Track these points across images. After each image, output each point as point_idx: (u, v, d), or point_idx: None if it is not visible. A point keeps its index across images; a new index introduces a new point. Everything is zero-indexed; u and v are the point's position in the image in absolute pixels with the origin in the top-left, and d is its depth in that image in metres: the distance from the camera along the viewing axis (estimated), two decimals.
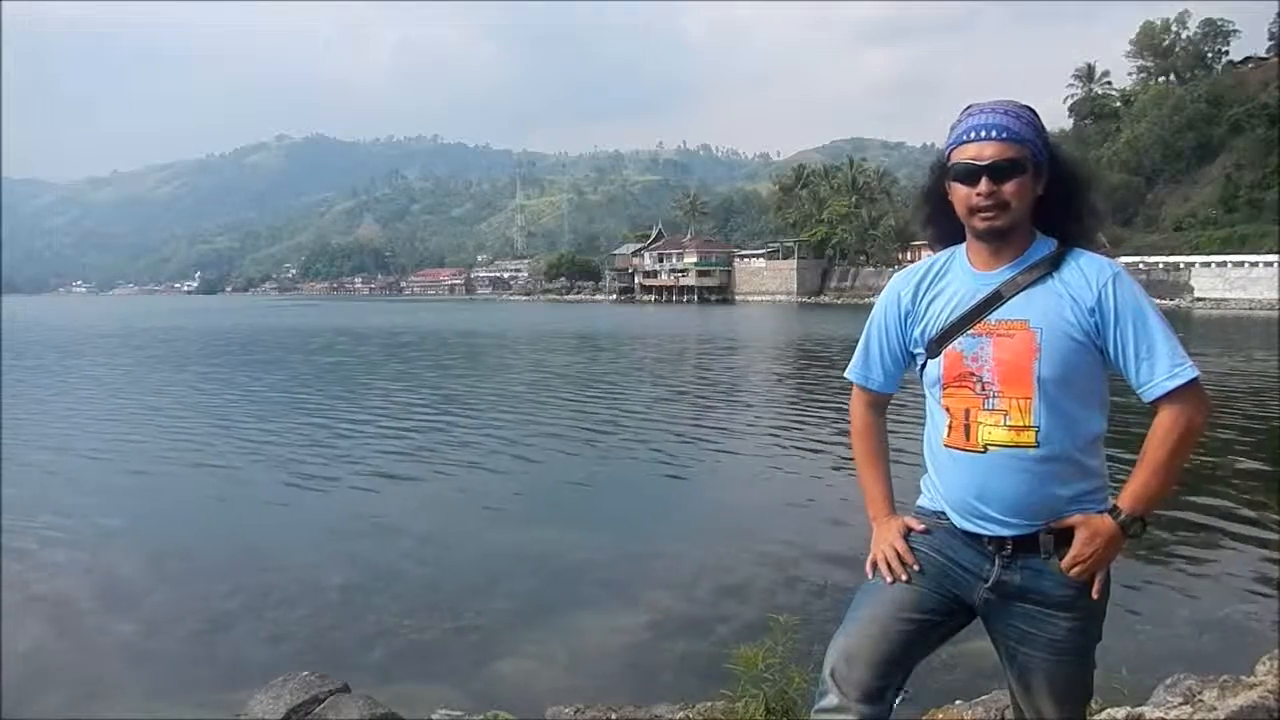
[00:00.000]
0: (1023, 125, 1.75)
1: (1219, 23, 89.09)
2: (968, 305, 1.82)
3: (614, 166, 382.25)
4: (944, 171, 1.84)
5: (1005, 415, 1.76)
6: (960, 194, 1.79)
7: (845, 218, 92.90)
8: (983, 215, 1.76)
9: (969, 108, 1.82)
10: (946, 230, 1.90)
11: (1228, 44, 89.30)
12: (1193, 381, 1.71)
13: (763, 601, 5.29)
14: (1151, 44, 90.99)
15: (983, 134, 1.74)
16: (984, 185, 1.74)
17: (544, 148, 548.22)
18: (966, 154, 1.76)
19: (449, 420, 13.05)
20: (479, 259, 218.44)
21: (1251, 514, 7.33)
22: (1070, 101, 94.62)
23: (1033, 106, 1.81)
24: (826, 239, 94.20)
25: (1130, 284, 1.76)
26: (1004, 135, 1.73)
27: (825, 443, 10.76)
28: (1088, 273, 1.76)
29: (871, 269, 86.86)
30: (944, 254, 1.93)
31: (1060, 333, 1.74)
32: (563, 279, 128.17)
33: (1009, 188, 1.74)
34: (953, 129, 1.82)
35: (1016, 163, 1.73)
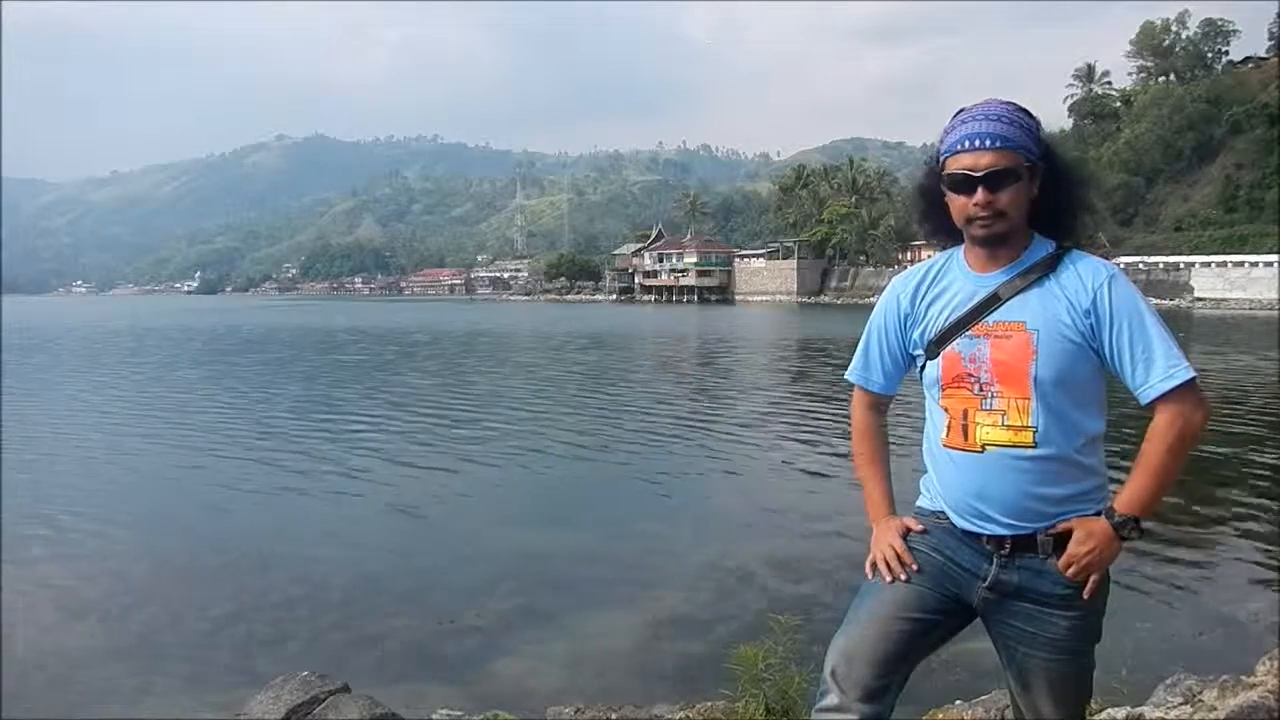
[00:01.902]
0: (1016, 131, 1.76)
1: (1219, 23, 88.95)
2: (966, 307, 1.83)
3: (614, 166, 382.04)
4: (938, 171, 1.84)
5: (1003, 415, 1.77)
6: (957, 203, 1.80)
7: (845, 218, 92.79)
8: (980, 224, 1.77)
9: (960, 112, 1.82)
10: (943, 226, 1.91)
11: (1228, 44, 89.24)
12: (1189, 383, 1.71)
13: (763, 601, 5.29)
14: (1151, 44, 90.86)
15: (977, 143, 1.75)
16: (980, 195, 1.75)
17: (544, 148, 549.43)
18: (962, 164, 1.76)
19: (449, 420, 13.04)
20: (479, 259, 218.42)
21: (1251, 513, 7.34)
22: (1070, 101, 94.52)
23: (1025, 106, 1.81)
24: (826, 239, 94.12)
25: (1126, 286, 1.76)
26: (998, 144, 1.74)
27: (826, 442, 10.76)
28: (1084, 275, 1.77)
29: (871, 269, 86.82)
30: (942, 256, 1.94)
31: (1057, 334, 1.74)
32: (563, 279, 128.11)
33: (1005, 196, 1.74)
34: (946, 133, 1.82)
35: (1012, 171, 1.74)
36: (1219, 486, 8.17)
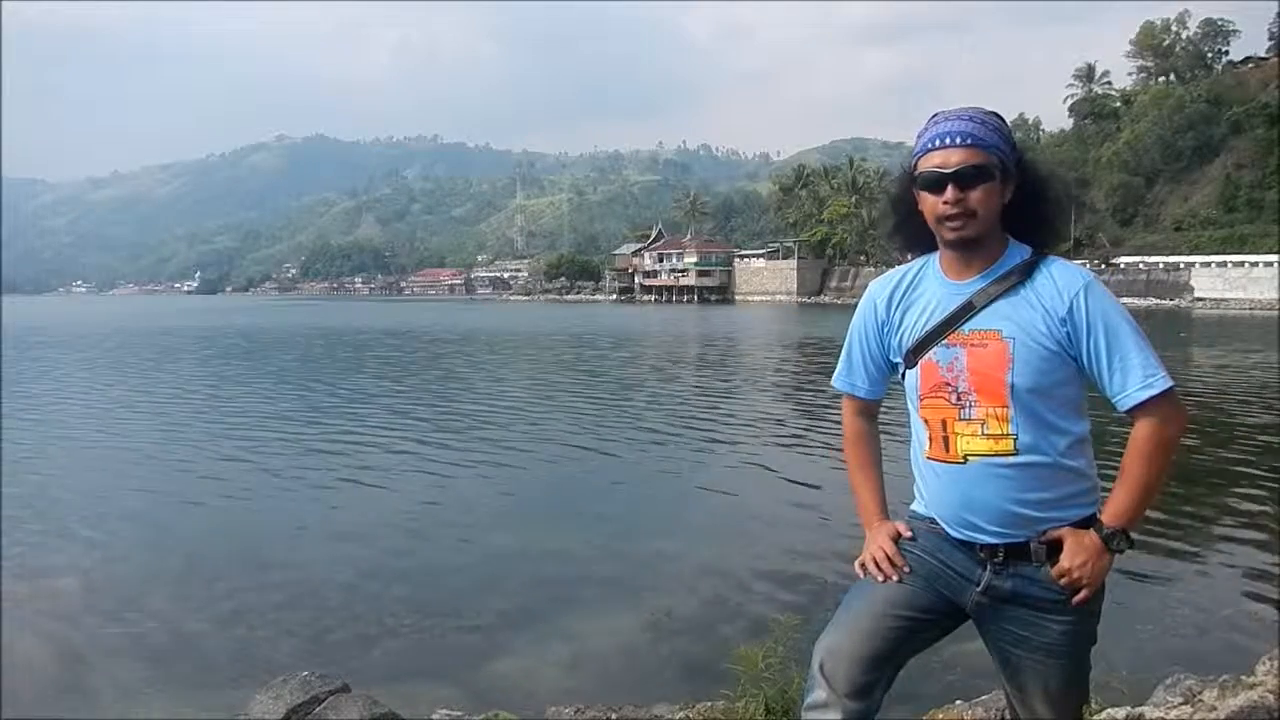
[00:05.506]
0: (988, 131, 1.75)
1: (1219, 23, 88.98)
2: (941, 315, 1.82)
3: (614, 166, 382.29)
4: (911, 173, 1.83)
5: (983, 425, 1.76)
6: (928, 203, 1.79)
7: (845, 218, 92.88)
8: (950, 224, 1.76)
9: (935, 115, 1.82)
10: (916, 237, 1.90)
11: (1228, 44, 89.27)
12: (1166, 392, 1.70)
13: (763, 601, 5.30)
14: (1151, 44, 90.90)
15: (948, 141, 1.74)
16: (950, 193, 1.73)
17: (544, 148, 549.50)
18: (932, 161, 1.76)
19: (449, 420, 13.04)
20: (479, 259, 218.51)
21: (1251, 514, 7.33)
22: (1070, 101, 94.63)
23: (999, 113, 1.81)
24: (826, 239, 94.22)
25: (1102, 294, 1.75)
26: (969, 141, 1.73)
27: (826, 443, 10.75)
28: (1059, 282, 1.75)
29: (871, 269, 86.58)
30: (918, 262, 1.93)
31: (1033, 343, 1.73)
32: (563, 279, 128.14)
33: (975, 195, 1.73)
34: (919, 137, 1.82)
35: (982, 169, 1.73)
36: (1219, 486, 8.17)
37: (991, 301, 1.77)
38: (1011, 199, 1.79)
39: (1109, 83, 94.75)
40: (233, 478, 9.07)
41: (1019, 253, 1.81)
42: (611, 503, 8.34)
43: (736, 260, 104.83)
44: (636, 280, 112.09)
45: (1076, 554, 1.73)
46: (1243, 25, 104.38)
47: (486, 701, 3.95)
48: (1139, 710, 3.23)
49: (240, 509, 7.91)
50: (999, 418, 1.74)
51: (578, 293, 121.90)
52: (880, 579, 1.86)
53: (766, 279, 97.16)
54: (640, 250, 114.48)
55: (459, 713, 3.68)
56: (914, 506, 1.95)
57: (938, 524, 1.86)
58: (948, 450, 1.80)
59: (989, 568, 1.80)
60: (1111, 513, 1.75)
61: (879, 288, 1.96)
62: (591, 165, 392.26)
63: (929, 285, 1.87)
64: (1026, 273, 1.78)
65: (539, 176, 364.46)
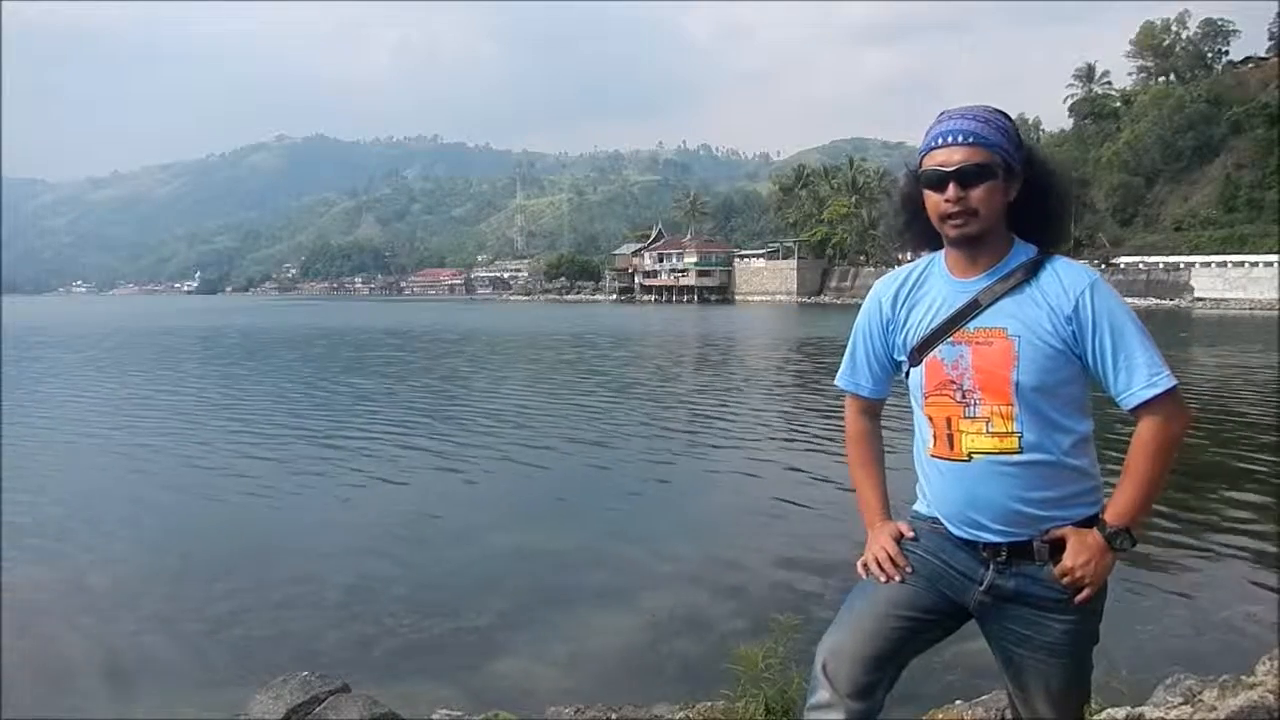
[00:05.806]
0: (992, 130, 1.75)
1: (1219, 23, 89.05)
2: (947, 313, 1.82)
3: (614, 166, 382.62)
4: (916, 171, 1.84)
5: (987, 423, 1.76)
6: (931, 200, 1.79)
7: (845, 218, 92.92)
8: (952, 223, 1.76)
9: (942, 113, 1.83)
10: (924, 235, 1.90)
11: (1228, 44, 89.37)
12: (1170, 391, 1.71)
13: (763, 601, 5.29)
14: (1151, 44, 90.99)
15: (951, 139, 1.75)
16: (951, 191, 1.74)
17: (544, 148, 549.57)
18: (935, 160, 1.76)
19: (450, 420, 13.04)
20: (479, 259, 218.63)
21: (1251, 514, 7.33)
22: (1070, 101, 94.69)
23: (1006, 111, 1.81)
24: (826, 239, 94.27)
25: (1108, 293, 1.75)
26: (971, 140, 1.73)
27: (826, 443, 10.75)
28: (1065, 281, 1.76)
29: (871, 269, 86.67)
30: (923, 261, 1.93)
31: (1038, 341, 1.74)
32: (563, 279, 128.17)
33: (977, 193, 1.73)
34: (926, 135, 1.82)
35: (984, 168, 1.73)
36: (1219, 486, 8.17)
37: (997, 299, 1.77)
38: (1017, 197, 1.79)
39: (1109, 83, 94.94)
40: (233, 477, 9.06)
41: (1025, 251, 1.82)
42: (612, 502, 8.33)
43: (736, 260, 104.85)
44: (636, 280, 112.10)
45: (1079, 553, 1.73)
46: (1243, 25, 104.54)
47: (486, 701, 3.95)
48: (1139, 710, 3.23)
49: (239, 509, 7.90)
50: (1004, 416, 1.75)
51: (578, 293, 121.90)
52: (882, 579, 1.86)
53: (766, 279, 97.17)
54: (640, 250, 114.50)
55: (459, 713, 3.68)
56: (916, 507, 1.95)
57: (940, 524, 1.86)
58: (952, 448, 1.80)
59: (992, 566, 1.80)
60: (1114, 512, 1.75)
61: (884, 286, 1.96)
62: (591, 165, 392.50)
63: (934, 283, 1.88)
64: (1032, 271, 1.78)
65: (539, 176, 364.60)
